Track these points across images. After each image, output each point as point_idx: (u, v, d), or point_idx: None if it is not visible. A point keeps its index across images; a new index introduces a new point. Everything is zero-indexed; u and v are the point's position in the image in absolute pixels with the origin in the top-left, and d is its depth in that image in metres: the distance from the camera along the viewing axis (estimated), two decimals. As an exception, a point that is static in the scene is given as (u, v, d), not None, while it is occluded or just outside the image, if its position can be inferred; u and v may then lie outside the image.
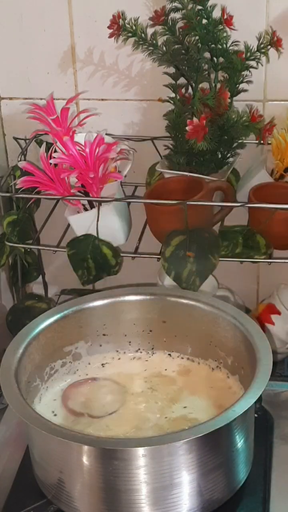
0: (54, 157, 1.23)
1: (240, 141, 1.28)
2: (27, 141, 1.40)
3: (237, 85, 1.25)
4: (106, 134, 1.30)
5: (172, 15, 1.24)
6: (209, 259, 1.20)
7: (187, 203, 1.20)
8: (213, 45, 1.23)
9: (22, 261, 1.42)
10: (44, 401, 1.08)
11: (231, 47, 1.24)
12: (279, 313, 1.40)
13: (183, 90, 1.28)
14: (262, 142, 1.26)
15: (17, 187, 1.27)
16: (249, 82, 1.26)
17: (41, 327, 1.09)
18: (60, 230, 1.35)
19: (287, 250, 1.28)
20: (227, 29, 1.23)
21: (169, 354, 1.16)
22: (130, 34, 1.23)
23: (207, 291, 1.31)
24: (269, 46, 1.23)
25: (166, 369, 1.14)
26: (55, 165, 1.24)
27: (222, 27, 1.22)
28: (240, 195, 1.33)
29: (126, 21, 1.23)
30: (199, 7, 1.21)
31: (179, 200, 1.22)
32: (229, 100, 1.23)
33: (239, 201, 1.31)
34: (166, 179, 1.30)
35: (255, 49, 1.23)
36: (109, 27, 1.23)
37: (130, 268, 1.52)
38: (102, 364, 1.15)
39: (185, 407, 1.06)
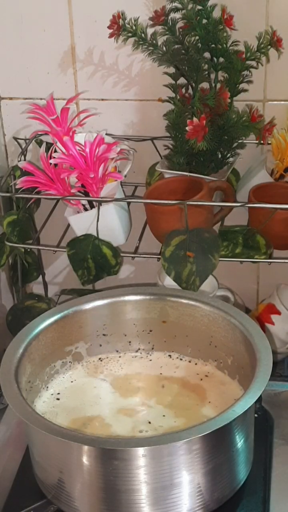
0: (54, 157, 1.23)
1: (240, 141, 1.28)
2: (27, 141, 1.40)
3: (237, 85, 1.25)
4: (106, 134, 1.30)
5: (172, 15, 1.24)
6: (209, 259, 1.20)
7: (187, 203, 1.20)
8: (213, 45, 1.23)
9: (22, 261, 1.42)
10: (44, 401, 1.08)
11: (231, 47, 1.24)
12: (279, 313, 1.40)
13: (183, 90, 1.28)
14: (262, 142, 1.26)
15: (17, 187, 1.27)
16: (249, 82, 1.26)
17: (41, 327, 1.09)
18: (60, 230, 1.35)
19: (287, 250, 1.28)
20: (227, 29, 1.23)
21: (169, 355, 1.16)
22: (130, 34, 1.23)
23: (207, 291, 1.31)
24: (269, 46, 1.23)
25: (166, 369, 1.14)
26: (55, 165, 1.24)
27: (222, 27, 1.22)
28: (240, 195, 1.33)
29: (126, 21, 1.23)
30: (199, 7, 1.21)
31: (179, 200, 1.22)
32: (229, 100, 1.23)
33: (239, 201, 1.31)
34: (166, 179, 1.30)
35: (255, 49, 1.23)
36: (109, 27, 1.24)
37: (130, 268, 1.53)
38: (102, 364, 1.15)
39: (183, 408, 1.06)
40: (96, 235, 1.26)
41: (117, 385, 1.11)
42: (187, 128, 1.20)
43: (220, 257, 1.21)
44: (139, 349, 1.17)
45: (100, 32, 1.28)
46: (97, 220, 1.24)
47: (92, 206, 1.27)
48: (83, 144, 1.23)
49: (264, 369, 0.98)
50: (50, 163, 1.24)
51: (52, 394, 1.09)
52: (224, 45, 1.23)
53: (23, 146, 1.40)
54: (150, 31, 1.24)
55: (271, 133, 1.26)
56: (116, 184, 1.27)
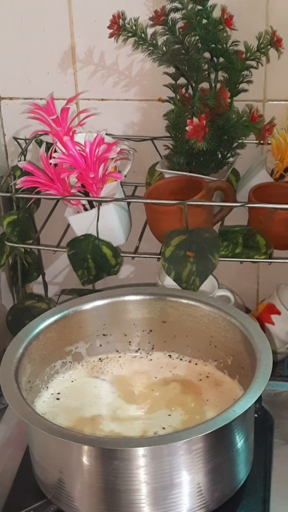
0: (54, 157, 1.23)
1: (240, 141, 1.28)
2: (27, 141, 1.40)
3: (237, 85, 1.25)
4: (106, 134, 1.30)
5: (172, 15, 1.24)
6: (209, 259, 1.20)
7: (187, 203, 1.20)
8: (213, 45, 1.23)
9: (22, 261, 1.42)
10: (44, 401, 1.08)
11: (231, 47, 1.24)
12: (279, 313, 1.40)
13: (183, 90, 1.28)
14: (262, 142, 1.26)
15: (17, 187, 1.27)
16: (249, 82, 1.26)
17: (41, 327, 1.09)
18: (60, 230, 1.35)
19: (287, 250, 1.28)
20: (227, 29, 1.23)
21: (169, 355, 1.16)
22: (130, 34, 1.23)
23: (207, 291, 1.31)
24: (269, 46, 1.23)
25: (165, 369, 1.14)
26: (55, 165, 1.24)
27: (222, 27, 1.22)
28: (240, 195, 1.33)
29: (126, 21, 1.23)
30: (199, 7, 1.21)
31: (179, 200, 1.22)
32: (229, 100, 1.23)
33: (239, 201, 1.31)
34: (166, 179, 1.30)
35: (255, 49, 1.23)
36: (109, 27, 1.24)
37: (130, 268, 1.53)
38: (102, 364, 1.15)
39: (183, 408, 1.06)
40: (96, 235, 1.26)
41: (117, 385, 1.11)
42: (187, 128, 1.20)
43: (220, 257, 1.22)
44: (139, 349, 1.17)
45: (100, 32, 1.28)
46: (97, 220, 1.24)
47: (92, 206, 1.27)
48: (83, 144, 1.23)
49: (264, 369, 0.98)
50: (50, 163, 1.24)
51: (52, 394, 1.09)
52: (224, 45, 1.23)
53: (23, 146, 1.40)
54: (150, 31, 1.24)
55: (271, 133, 1.26)
56: (116, 184, 1.27)
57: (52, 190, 1.26)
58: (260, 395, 0.95)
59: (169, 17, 1.24)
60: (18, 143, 1.43)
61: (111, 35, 1.24)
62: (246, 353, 1.04)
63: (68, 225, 1.31)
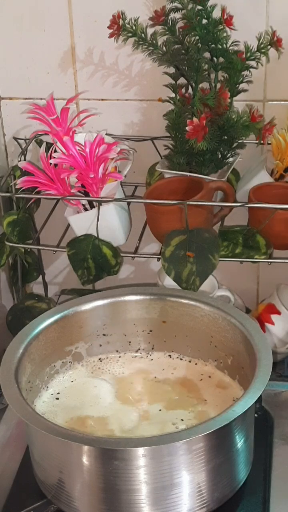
0: (54, 157, 1.23)
1: (240, 141, 1.28)
2: (27, 141, 1.40)
3: (237, 85, 1.25)
4: (106, 134, 1.30)
5: (172, 15, 1.24)
6: (209, 259, 1.20)
7: (187, 203, 1.20)
8: (213, 45, 1.23)
9: (22, 261, 1.42)
10: (44, 401, 1.08)
11: (231, 47, 1.24)
12: (279, 313, 1.39)
13: (183, 90, 1.28)
14: (262, 142, 1.26)
15: (17, 187, 1.27)
16: (249, 82, 1.26)
17: (41, 327, 1.09)
18: (60, 230, 1.35)
19: (287, 250, 1.28)
20: (227, 29, 1.23)
21: (169, 355, 1.16)
22: (130, 34, 1.23)
23: (207, 291, 1.31)
24: (269, 46, 1.23)
25: (166, 369, 1.14)
26: (55, 165, 1.25)
27: (222, 27, 1.22)
28: (240, 195, 1.33)
29: (126, 21, 1.23)
30: (199, 7, 1.21)
31: (179, 200, 1.22)
32: (229, 100, 1.23)
33: (239, 201, 1.31)
34: (166, 179, 1.30)
35: (255, 49, 1.23)
36: (109, 27, 1.24)
37: (130, 268, 1.53)
38: (102, 364, 1.15)
39: (184, 409, 1.06)
40: (96, 235, 1.26)
41: (117, 385, 1.11)
42: (187, 128, 1.20)
43: (220, 257, 1.22)
44: (139, 349, 1.17)
45: (100, 32, 1.28)
46: (97, 220, 1.24)
47: (92, 206, 1.27)
48: (83, 144, 1.23)
49: (264, 369, 0.98)
50: (50, 163, 1.24)
51: (52, 394, 1.09)
52: (224, 45, 1.23)
53: (23, 146, 1.40)
54: (150, 31, 1.24)
55: (271, 133, 1.26)
56: (116, 184, 1.27)
57: (52, 190, 1.26)
58: (260, 395, 0.95)
59: (169, 17, 1.24)
60: (18, 143, 1.43)
61: (111, 35, 1.24)
62: (246, 353, 1.04)
63: (68, 225, 1.31)
